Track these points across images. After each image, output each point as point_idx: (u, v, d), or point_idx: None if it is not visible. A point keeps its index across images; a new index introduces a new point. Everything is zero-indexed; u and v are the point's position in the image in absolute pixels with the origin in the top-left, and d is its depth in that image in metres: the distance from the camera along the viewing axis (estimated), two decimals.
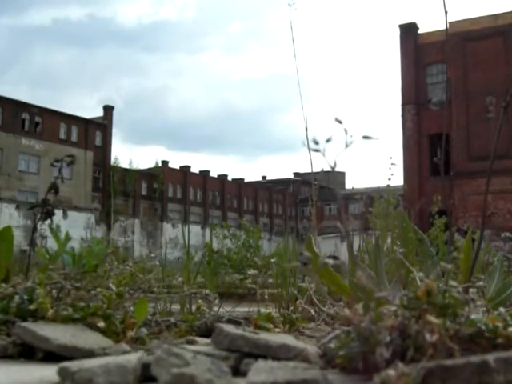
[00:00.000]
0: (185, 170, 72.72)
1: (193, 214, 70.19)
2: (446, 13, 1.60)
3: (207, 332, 1.50)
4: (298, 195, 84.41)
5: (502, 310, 0.82)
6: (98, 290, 1.54)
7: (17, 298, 1.46)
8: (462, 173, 32.92)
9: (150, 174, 66.93)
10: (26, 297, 1.44)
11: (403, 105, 41.39)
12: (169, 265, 5.55)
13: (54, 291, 1.61)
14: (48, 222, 2.07)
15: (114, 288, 1.62)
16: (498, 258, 1.70)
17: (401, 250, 1.41)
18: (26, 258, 1.96)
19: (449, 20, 1.69)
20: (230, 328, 1.06)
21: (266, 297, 2.55)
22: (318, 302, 1.97)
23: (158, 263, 3.01)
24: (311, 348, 0.97)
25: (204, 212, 72.10)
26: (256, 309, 2.34)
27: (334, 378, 0.77)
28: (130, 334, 1.32)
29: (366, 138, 1.27)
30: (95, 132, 61.46)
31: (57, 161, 1.97)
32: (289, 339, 1.06)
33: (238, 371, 0.97)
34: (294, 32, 4.12)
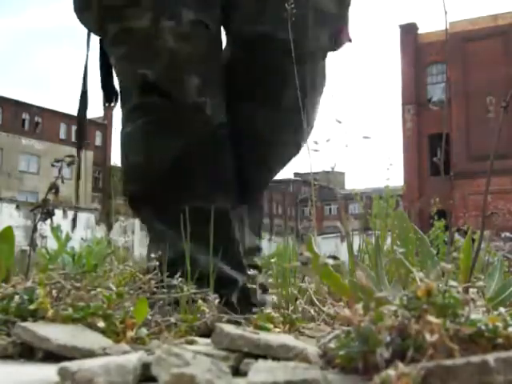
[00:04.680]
0: None
1: None
2: (445, 13, 1.60)
3: (207, 332, 1.51)
4: (298, 195, 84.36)
5: (502, 309, 0.82)
6: (98, 290, 1.54)
7: (17, 297, 1.47)
8: (462, 173, 32.93)
9: None
10: (26, 297, 1.44)
11: (403, 105, 41.39)
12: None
13: (54, 291, 1.62)
14: (48, 222, 2.08)
15: (114, 288, 1.62)
16: (498, 258, 1.70)
17: (401, 250, 1.41)
18: (25, 257, 1.97)
19: (449, 20, 1.70)
20: (229, 328, 1.06)
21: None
22: (317, 302, 1.97)
23: (158, 263, 3.01)
24: (311, 348, 0.97)
25: None
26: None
27: (334, 378, 0.77)
28: (130, 334, 1.32)
29: (365, 138, 1.28)
30: (95, 132, 61.41)
31: (57, 161, 1.96)
32: (289, 339, 1.06)
33: (238, 371, 0.97)
34: None
